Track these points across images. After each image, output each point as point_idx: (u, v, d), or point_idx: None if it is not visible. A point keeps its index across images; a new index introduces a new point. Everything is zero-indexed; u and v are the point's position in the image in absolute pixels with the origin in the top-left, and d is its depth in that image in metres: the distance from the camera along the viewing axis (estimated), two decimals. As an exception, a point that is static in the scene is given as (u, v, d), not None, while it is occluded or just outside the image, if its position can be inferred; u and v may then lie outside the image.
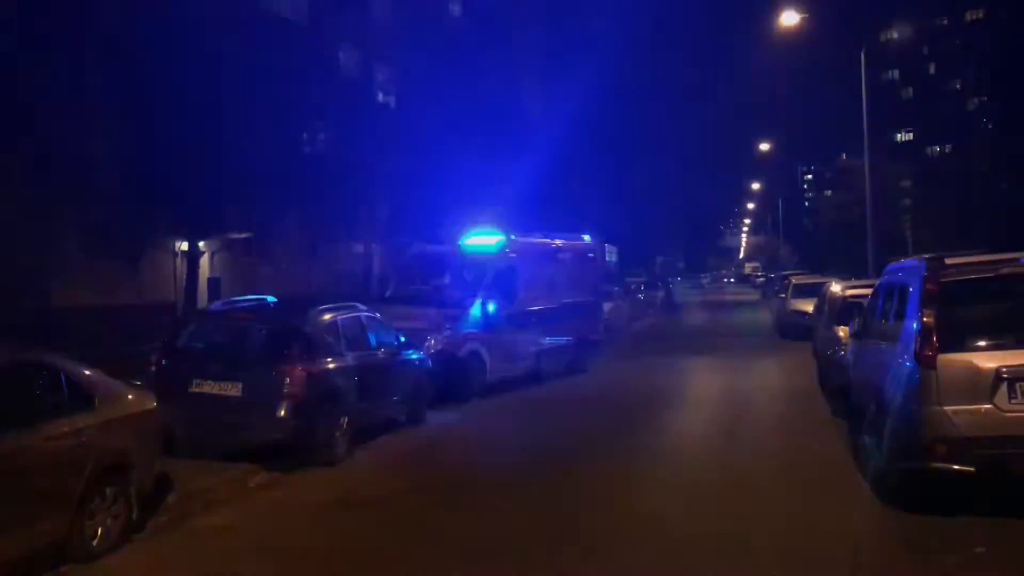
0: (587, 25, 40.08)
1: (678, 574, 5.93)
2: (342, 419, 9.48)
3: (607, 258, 57.41)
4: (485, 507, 7.69)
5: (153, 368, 9.12)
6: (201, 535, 7.12)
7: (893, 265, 8.63)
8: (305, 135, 21.93)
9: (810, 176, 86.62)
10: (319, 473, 8.96)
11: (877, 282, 9.59)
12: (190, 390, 8.84)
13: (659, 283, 50.30)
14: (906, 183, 51.20)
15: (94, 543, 6.43)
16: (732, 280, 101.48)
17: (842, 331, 11.30)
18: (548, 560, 6.23)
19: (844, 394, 10.10)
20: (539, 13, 39.30)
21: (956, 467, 6.12)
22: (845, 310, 12.05)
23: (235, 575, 6.32)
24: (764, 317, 34.47)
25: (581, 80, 38.32)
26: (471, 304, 13.99)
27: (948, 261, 6.60)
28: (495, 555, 6.42)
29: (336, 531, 7.19)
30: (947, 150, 65.81)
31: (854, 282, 16.28)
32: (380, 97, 30.36)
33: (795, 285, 27.51)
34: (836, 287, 15.23)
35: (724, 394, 14.91)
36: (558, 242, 17.36)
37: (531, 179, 34.36)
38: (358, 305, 11.00)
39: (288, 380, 8.81)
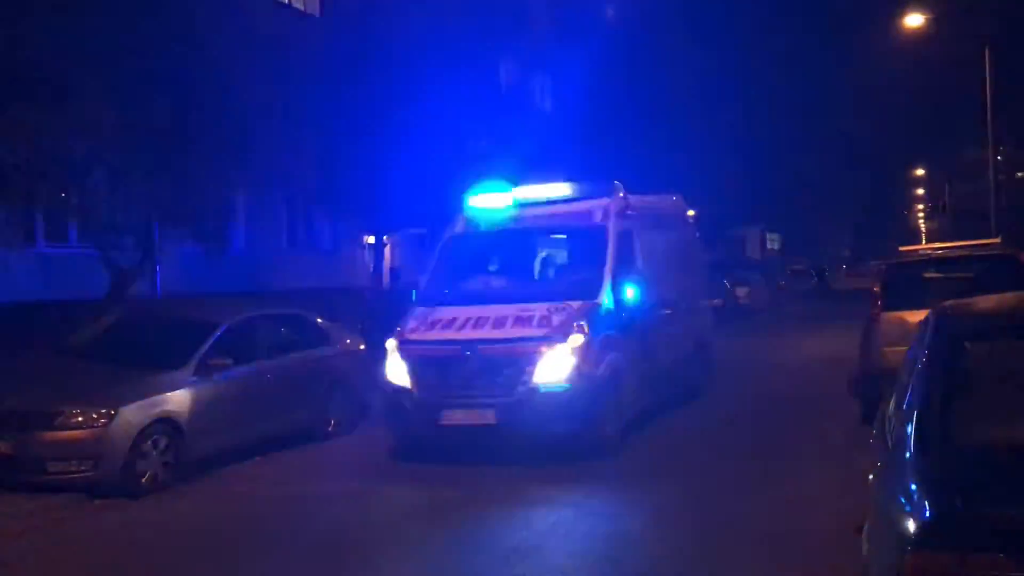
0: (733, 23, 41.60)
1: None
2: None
3: (768, 245, 58.53)
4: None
5: (360, 327, 13.02)
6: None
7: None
8: (469, 145, 25.42)
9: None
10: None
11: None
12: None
13: (812, 271, 51.36)
14: None
15: (329, 429, 10.28)
16: None
17: None
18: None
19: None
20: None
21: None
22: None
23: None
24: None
25: (725, 73, 40.26)
26: (600, 290, 9.17)
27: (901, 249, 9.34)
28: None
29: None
30: None
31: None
32: (536, 101, 33.50)
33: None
34: None
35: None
36: (649, 200, 11.47)
37: (688, 173, 36.73)
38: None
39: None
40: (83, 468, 7.52)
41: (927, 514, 2.87)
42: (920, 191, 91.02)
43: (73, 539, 6.73)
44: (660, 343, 10.24)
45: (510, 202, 10.18)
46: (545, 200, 10.14)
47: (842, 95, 53.12)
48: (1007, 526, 2.77)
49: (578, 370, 8.42)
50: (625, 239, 9.81)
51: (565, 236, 10.56)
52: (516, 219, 10.11)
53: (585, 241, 10.02)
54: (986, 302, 4.46)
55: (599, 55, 30.03)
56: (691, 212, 13.32)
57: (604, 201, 9.86)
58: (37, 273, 14.30)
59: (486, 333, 8.68)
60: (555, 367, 8.42)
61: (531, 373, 8.39)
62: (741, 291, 29.94)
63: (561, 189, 10.34)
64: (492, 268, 10.34)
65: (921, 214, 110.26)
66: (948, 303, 4.33)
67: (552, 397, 8.33)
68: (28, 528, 6.90)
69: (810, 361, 15.82)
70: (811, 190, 61.84)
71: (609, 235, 9.51)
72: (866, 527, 3.83)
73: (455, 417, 8.51)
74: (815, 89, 49.66)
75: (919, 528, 2.83)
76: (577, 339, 8.49)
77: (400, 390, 8.83)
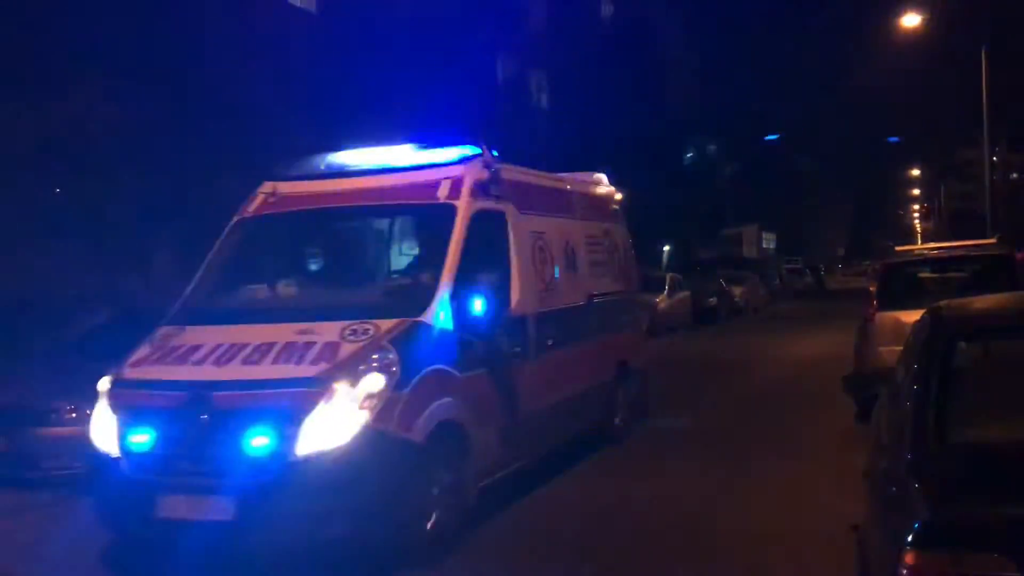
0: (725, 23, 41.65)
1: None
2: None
3: (763, 244, 58.65)
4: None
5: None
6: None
7: None
8: (465, 139, 25.43)
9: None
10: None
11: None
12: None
13: (806, 269, 51.48)
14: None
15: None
16: None
17: None
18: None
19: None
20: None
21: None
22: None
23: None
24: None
25: (719, 71, 40.42)
26: (431, 302, 6.03)
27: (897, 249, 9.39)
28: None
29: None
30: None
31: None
32: (533, 98, 33.45)
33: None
34: None
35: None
36: (565, 181, 8.92)
37: (687, 172, 36.81)
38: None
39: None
40: (77, 464, 7.50)
41: (923, 513, 2.88)
42: (915, 191, 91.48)
43: (67, 535, 6.70)
44: (546, 374, 7.17)
45: (326, 171, 7.16)
46: (376, 168, 7.01)
47: (839, 96, 53.43)
48: (1003, 525, 2.77)
49: (374, 430, 5.29)
50: (486, 225, 6.72)
51: (397, 219, 7.31)
52: (332, 195, 6.92)
53: (421, 227, 7.14)
54: (982, 302, 4.47)
55: (594, 51, 30.18)
56: (619, 196, 10.11)
57: (457, 170, 6.70)
58: (31, 269, 14.30)
59: (231, 371, 5.56)
60: (333, 427, 5.22)
61: (293, 437, 5.19)
62: (736, 290, 30.07)
63: (399, 154, 7.09)
64: (290, 265, 7.35)
65: (916, 214, 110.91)
66: (943, 303, 4.34)
67: (325, 476, 5.14)
68: (21, 524, 6.89)
69: (802, 360, 15.56)
70: (807, 190, 62.25)
71: (457, 218, 6.40)
72: (862, 527, 3.84)
73: (176, 507, 5.35)
74: (812, 89, 49.93)
75: (915, 528, 2.83)
76: (374, 381, 5.40)
77: (103, 459, 5.65)
